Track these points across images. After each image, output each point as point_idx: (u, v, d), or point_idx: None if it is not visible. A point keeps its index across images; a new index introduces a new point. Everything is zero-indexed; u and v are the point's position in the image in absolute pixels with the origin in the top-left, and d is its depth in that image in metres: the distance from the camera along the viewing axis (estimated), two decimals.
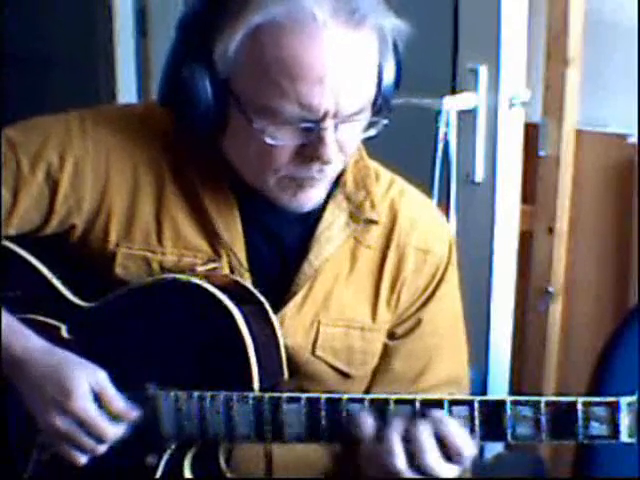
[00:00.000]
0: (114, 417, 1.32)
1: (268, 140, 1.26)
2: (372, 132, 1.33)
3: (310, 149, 1.28)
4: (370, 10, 1.24)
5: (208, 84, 1.28)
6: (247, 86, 1.26)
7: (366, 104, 1.29)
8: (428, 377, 1.49)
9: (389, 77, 1.33)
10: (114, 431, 1.32)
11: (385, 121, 1.33)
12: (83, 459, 1.33)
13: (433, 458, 1.23)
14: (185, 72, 1.28)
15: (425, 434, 1.23)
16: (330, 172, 1.34)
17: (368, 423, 1.26)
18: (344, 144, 1.31)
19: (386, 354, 1.48)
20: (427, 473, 1.24)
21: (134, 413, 1.33)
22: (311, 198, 1.35)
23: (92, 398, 1.31)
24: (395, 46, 1.32)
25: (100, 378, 1.32)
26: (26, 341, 1.34)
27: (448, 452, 1.24)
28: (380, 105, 1.33)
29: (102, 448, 1.32)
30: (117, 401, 1.32)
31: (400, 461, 1.24)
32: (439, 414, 1.24)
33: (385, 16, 1.27)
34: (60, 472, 1.36)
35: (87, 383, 1.31)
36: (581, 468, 1.59)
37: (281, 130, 1.26)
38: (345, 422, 1.27)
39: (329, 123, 1.26)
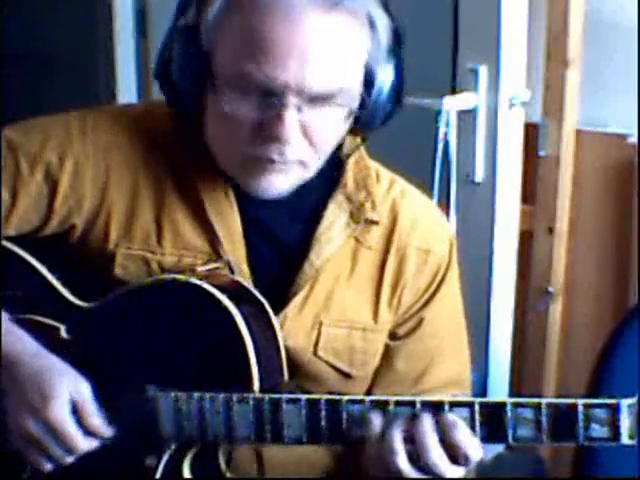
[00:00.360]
0: (88, 431, 1.32)
1: (228, 109, 1.26)
2: (347, 124, 1.33)
3: (269, 127, 1.26)
4: None
5: (192, 58, 1.28)
6: (222, 54, 1.27)
7: (339, 91, 1.27)
8: (430, 378, 1.49)
9: (384, 80, 1.32)
10: (85, 444, 1.32)
11: (364, 116, 1.32)
12: (48, 467, 1.33)
13: (436, 456, 1.23)
14: (174, 47, 1.30)
15: (428, 432, 1.23)
16: (292, 156, 1.30)
17: (375, 422, 1.25)
18: (311, 131, 1.29)
19: (388, 355, 1.48)
20: (430, 472, 1.24)
21: (108, 432, 1.33)
22: (275, 183, 1.32)
23: (70, 409, 1.31)
24: (396, 51, 1.32)
25: (82, 390, 1.32)
26: (17, 342, 1.34)
27: (455, 455, 1.24)
28: (370, 105, 1.32)
29: (69, 459, 1.32)
30: (94, 417, 1.32)
31: (402, 460, 1.24)
32: (451, 418, 1.24)
33: (370, 4, 1.28)
34: (59, 472, 1.36)
35: (68, 393, 1.31)
36: (581, 468, 1.59)
37: (244, 101, 1.26)
38: (350, 421, 1.27)
39: (291, 101, 1.25)
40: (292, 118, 1.25)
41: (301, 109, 1.26)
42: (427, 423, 1.24)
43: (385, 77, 1.33)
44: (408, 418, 1.25)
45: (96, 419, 1.32)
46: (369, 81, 1.31)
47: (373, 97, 1.32)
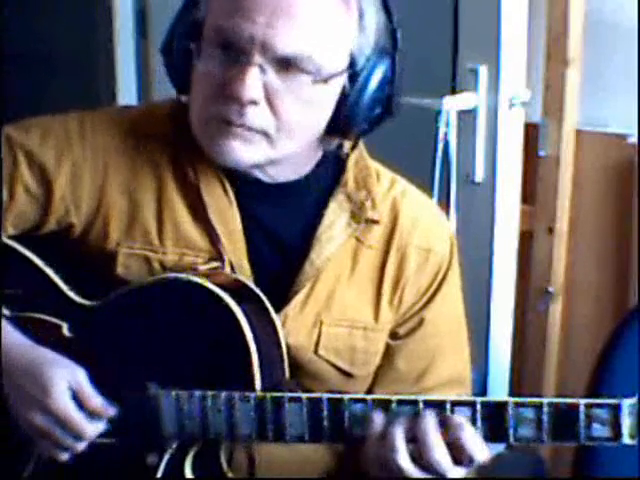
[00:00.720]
0: (92, 414, 1.32)
1: (199, 67, 1.28)
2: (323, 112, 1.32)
3: (230, 85, 1.26)
4: None
5: (188, 27, 1.30)
6: (209, 15, 1.29)
7: (305, 56, 1.26)
8: (431, 377, 1.49)
9: (370, 80, 1.31)
10: (92, 428, 1.32)
11: (345, 108, 1.32)
12: (64, 456, 1.33)
13: (439, 454, 1.23)
14: (174, 20, 1.33)
15: (431, 430, 1.23)
16: (252, 122, 1.28)
17: (377, 421, 1.26)
18: (275, 99, 1.27)
19: (388, 354, 1.48)
20: (432, 471, 1.24)
21: (111, 410, 1.33)
22: (236, 150, 1.30)
23: (70, 396, 1.31)
24: (387, 57, 1.32)
25: (78, 376, 1.33)
26: (8, 338, 1.35)
27: (459, 455, 1.24)
28: (352, 100, 1.31)
29: (81, 446, 1.33)
30: (94, 398, 1.33)
31: (403, 458, 1.24)
32: (457, 419, 1.24)
33: (367, 3, 1.29)
34: (60, 471, 1.36)
35: (65, 381, 1.31)
36: (581, 468, 1.59)
37: (213, 56, 1.27)
38: (352, 420, 1.27)
39: (255, 59, 1.24)
40: (254, 77, 1.25)
41: (265, 70, 1.25)
42: (430, 421, 1.24)
43: (371, 74, 1.32)
44: (410, 417, 1.25)
45: (97, 400, 1.33)
46: (353, 72, 1.31)
47: (355, 91, 1.31)
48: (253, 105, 1.27)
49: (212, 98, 1.28)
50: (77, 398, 1.32)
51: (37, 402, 1.30)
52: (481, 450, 1.24)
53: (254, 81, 1.25)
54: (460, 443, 1.23)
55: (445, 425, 1.24)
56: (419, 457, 1.24)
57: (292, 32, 1.24)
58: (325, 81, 1.29)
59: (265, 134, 1.30)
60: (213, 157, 1.33)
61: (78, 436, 1.32)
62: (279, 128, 1.30)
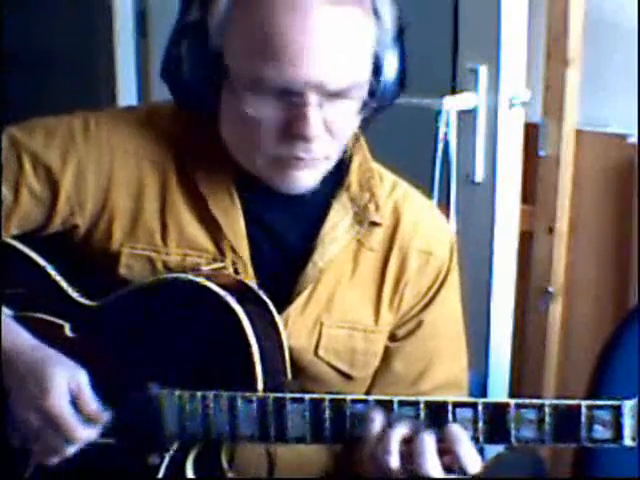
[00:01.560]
0: (87, 419, 1.32)
1: (249, 111, 1.26)
2: (364, 114, 1.33)
3: (293, 126, 1.26)
4: None
5: (201, 57, 1.28)
6: (235, 55, 1.27)
7: (355, 84, 1.28)
8: (428, 379, 1.49)
9: (390, 66, 1.33)
10: (84, 434, 1.32)
11: (373, 104, 1.32)
12: (53, 460, 1.33)
13: (431, 467, 1.23)
14: (181, 46, 1.29)
15: (428, 451, 1.23)
16: (318, 153, 1.31)
17: (377, 420, 1.25)
18: (332, 125, 1.29)
19: (386, 356, 1.48)
20: (419, 477, 1.23)
21: (106, 416, 1.33)
22: (301, 179, 1.33)
23: (69, 398, 1.31)
24: (399, 37, 1.32)
25: (79, 378, 1.32)
26: (14, 337, 1.35)
27: (451, 464, 1.24)
28: (379, 92, 1.32)
29: (70, 450, 1.32)
30: (91, 403, 1.32)
31: (394, 460, 1.23)
32: (455, 431, 1.23)
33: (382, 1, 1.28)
34: (61, 472, 1.36)
35: (66, 382, 1.31)
36: (581, 468, 1.60)
37: (264, 102, 1.26)
38: (354, 421, 1.27)
39: (312, 98, 1.25)
40: (315, 115, 1.26)
41: (322, 105, 1.26)
42: (429, 442, 1.23)
43: (391, 63, 1.33)
44: (411, 426, 1.24)
45: (93, 405, 1.32)
46: (377, 68, 1.32)
47: (382, 84, 1.33)
48: (317, 139, 1.28)
49: (273, 139, 1.29)
50: (75, 400, 1.32)
51: (34, 401, 1.30)
52: (474, 463, 1.23)
53: (316, 119, 1.26)
54: (455, 454, 1.23)
55: (443, 434, 1.23)
56: (409, 462, 1.24)
57: (341, 65, 1.25)
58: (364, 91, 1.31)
59: (327, 157, 1.33)
60: (277, 187, 1.34)
61: (69, 439, 1.31)
62: (337, 146, 1.34)
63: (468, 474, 1.24)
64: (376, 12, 1.29)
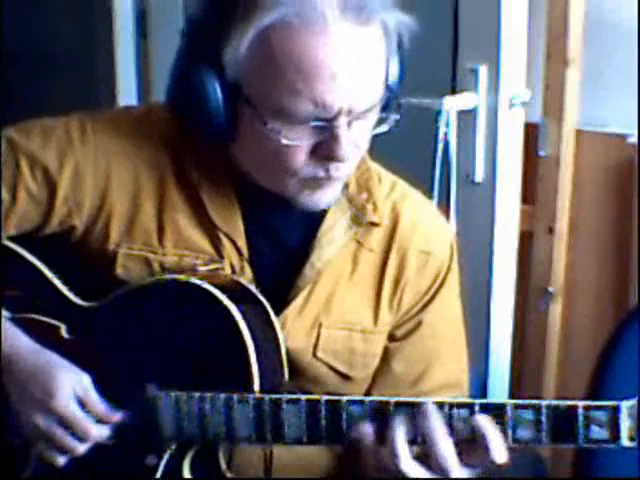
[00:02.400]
0: (97, 419, 1.33)
1: (283, 141, 1.26)
2: (384, 128, 1.33)
3: (326, 148, 1.27)
4: (378, 6, 1.24)
5: (217, 88, 1.27)
6: (259, 88, 1.26)
7: (378, 99, 1.29)
8: (428, 380, 1.49)
9: (395, 71, 1.33)
10: (98, 430, 1.33)
11: (396, 116, 1.32)
12: (61, 460, 1.34)
13: (446, 450, 1.22)
14: (194, 77, 1.27)
15: (437, 427, 1.22)
16: (346, 170, 1.33)
17: (369, 432, 1.25)
18: (357, 141, 1.30)
19: (386, 356, 1.48)
20: (438, 470, 1.23)
21: (116, 417, 1.34)
22: (328, 196, 1.35)
23: (75, 400, 1.32)
24: (399, 39, 1.31)
25: (83, 382, 1.33)
26: (14, 340, 1.35)
27: (477, 456, 1.23)
28: (388, 100, 1.32)
29: (82, 448, 1.33)
30: (99, 404, 1.33)
31: (406, 464, 1.23)
32: (483, 419, 1.22)
33: (391, 11, 1.27)
34: (59, 472, 1.36)
35: (70, 386, 1.32)
36: (582, 468, 1.59)
37: (295, 130, 1.26)
38: (350, 421, 1.26)
39: (342, 121, 1.25)
40: (345, 136, 1.26)
41: (350, 125, 1.26)
42: (435, 417, 1.22)
43: (396, 66, 1.33)
44: (410, 416, 1.23)
45: (101, 406, 1.33)
46: (386, 74, 1.31)
47: (391, 83, 1.32)
48: (348, 158, 1.29)
49: (305, 161, 1.29)
50: (82, 403, 1.32)
51: (41, 403, 1.31)
52: (502, 453, 1.22)
53: (347, 141, 1.26)
54: (484, 444, 1.21)
55: (468, 426, 1.23)
56: (423, 456, 1.24)
57: (368, 89, 1.26)
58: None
59: (348, 174, 1.36)
60: (301, 205, 1.35)
61: (82, 436, 1.32)
62: (356, 162, 1.36)
63: (489, 467, 1.24)
64: (386, 27, 1.28)
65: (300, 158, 1.28)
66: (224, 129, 1.30)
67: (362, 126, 1.29)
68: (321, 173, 1.30)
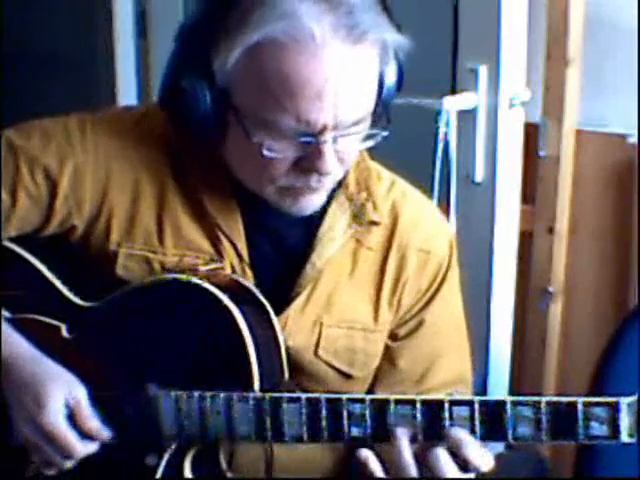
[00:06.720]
0: (86, 435, 1.32)
1: (266, 153, 1.26)
2: (370, 143, 1.33)
3: (308, 162, 1.27)
4: (371, 25, 1.23)
5: (207, 93, 1.27)
6: (246, 99, 1.26)
7: (366, 115, 1.29)
8: (433, 378, 1.49)
9: (389, 84, 1.32)
10: (82, 449, 1.32)
11: (384, 133, 1.32)
12: (50, 472, 1.34)
13: (450, 473, 1.23)
14: (184, 81, 1.28)
15: (445, 464, 1.23)
16: (329, 181, 1.33)
17: (374, 467, 1.26)
18: (343, 155, 1.30)
19: (390, 356, 1.49)
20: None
21: (106, 434, 1.33)
22: (311, 203, 1.35)
23: (66, 413, 1.32)
24: (396, 54, 1.31)
25: (77, 393, 1.33)
26: (14, 346, 1.35)
27: (465, 465, 1.24)
28: (379, 114, 1.32)
29: (68, 464, 1.33)
30: (90, 420, 1.33)
31: (412, 470, 1.24)
32: (460, 434, 1.23)
33: (387, 30, 1.26)
34: (60, 472, 1.36)
35: (63, 398, 1.31)
36: (583, 468, 1.59)
37: (279, 143, 1.26)
38: (350, 420, 1.26)
39: (327, 136, 1.25)
40: (329, 151, 1.26)
41: (336, 140, 1.26)
42: (444, 458, 1.23)
43: (391, 78, 1.33)
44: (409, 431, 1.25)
45: (92, 422, 1.33)
46: (380, 87, 1.31)
47: (383, 99, 1.32)
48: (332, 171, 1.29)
49: (287, 172, 1.29)
50: (73, 416, 1.32)
51: (31, 416, 1.30)
52: (485, 460, 1.24)
53: (331, 154, 1.26)
54: (464, 458, 1.23)
55: (446, 441, 1.23)
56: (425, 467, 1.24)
57: (355, 105, 1.26)
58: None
59: (334, 181, 1.35)
60: (285, 210, 1.35)
61: (66, 454, 1.32)
62: (344, 170, 1.35)
63: (481, 471, 1.24)
64: (384, 46, 1.27)
65: (282, 169, 1.29)
66: (213, 132, 1.30)
67: (349, 140, 1.29)
68: (302, 183, 1.30)
